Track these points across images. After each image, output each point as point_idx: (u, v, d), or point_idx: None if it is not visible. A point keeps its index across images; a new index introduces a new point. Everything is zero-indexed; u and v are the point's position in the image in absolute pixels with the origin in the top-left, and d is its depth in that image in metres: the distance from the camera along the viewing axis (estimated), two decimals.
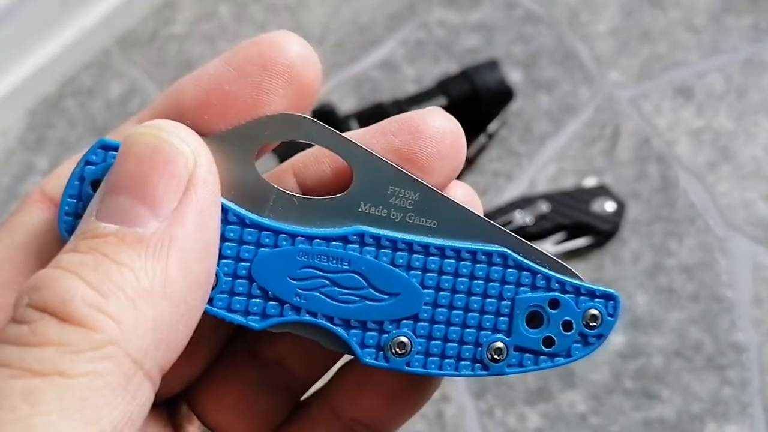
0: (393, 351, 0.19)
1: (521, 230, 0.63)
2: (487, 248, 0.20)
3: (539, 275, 0.20)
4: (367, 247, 0.19)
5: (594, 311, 0.20)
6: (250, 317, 0.19)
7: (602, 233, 0.63)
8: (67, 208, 0.18)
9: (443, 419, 0.59)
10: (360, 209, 0.19)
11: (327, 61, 0.85)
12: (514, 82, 0.76)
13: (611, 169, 0.69)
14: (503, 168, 0.72)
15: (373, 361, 0.19)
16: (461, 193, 0.22)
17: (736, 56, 0.74)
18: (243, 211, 0.19)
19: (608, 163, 0.69)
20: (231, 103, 0.19)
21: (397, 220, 0.19)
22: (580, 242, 0.64)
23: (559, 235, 0.64)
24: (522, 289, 0.20)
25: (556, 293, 0.20)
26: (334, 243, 0.19)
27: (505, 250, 0.20)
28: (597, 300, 0.20)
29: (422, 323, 0.19)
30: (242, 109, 0.19)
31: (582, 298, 0.20)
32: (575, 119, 0.73)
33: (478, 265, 0.20)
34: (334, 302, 0.19)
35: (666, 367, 0.58)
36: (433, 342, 0.19)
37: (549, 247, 0.64)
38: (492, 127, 0.72)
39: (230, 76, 0.19)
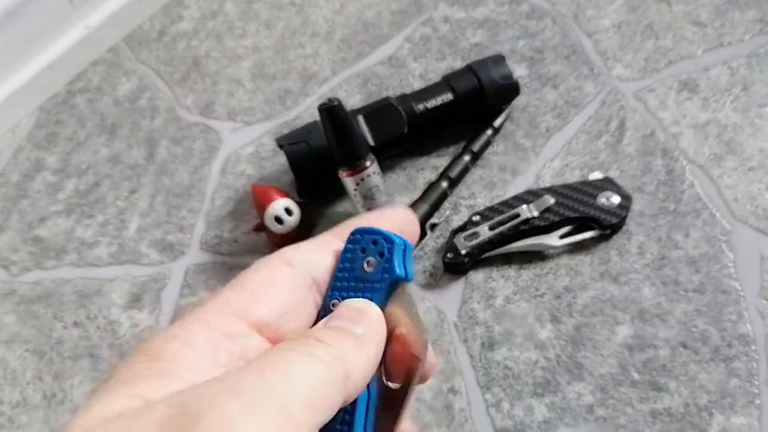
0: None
1: (528, 223, 0.64)
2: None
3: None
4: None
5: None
6: None
7: (608, 226, 0.64)
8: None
9: (451, 411, 0.59)
10: None
11: (333, 57, 0.85)
12: (519, 76, 0.77)
13: (617, 163, 0.69)
14: (509, 162, 0.72)
15: None
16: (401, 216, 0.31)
17: (742, 49, 0.74)
18: None
19: (614, 156, 0.70)
20: None
21: None
22: (587, 235, 0.64)
23: (565, 229, 0.64)
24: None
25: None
26: None
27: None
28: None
29: None
30: None
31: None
32: (581, 113, 0.74)
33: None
34: None
35: (673, 358, 0.58)
36: None
37: (555, 240, 0.64)
38: (498, 121, 0.73)
39: None
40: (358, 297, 0.27)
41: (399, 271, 0.27)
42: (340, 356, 0.23)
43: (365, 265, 0.27)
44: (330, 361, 0.23)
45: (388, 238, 0.27)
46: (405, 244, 0.27)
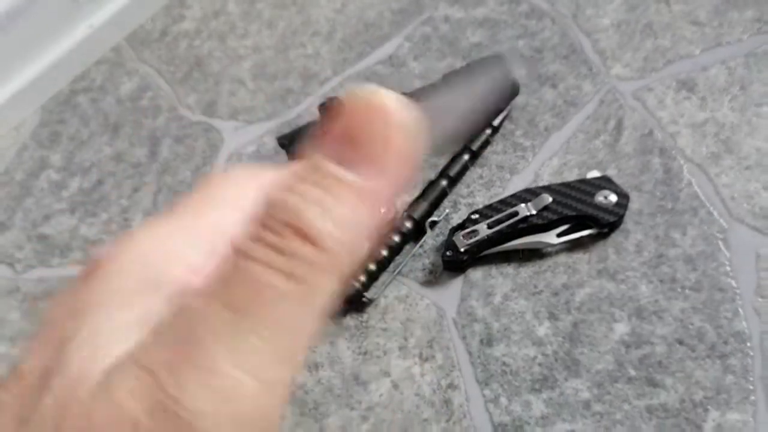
0: None
1: (526, 222, 0.64)
2: None
3: None
4: None
5: None
6: None
7: (606, 225, 0.64)
8: None
9: (450, 407, 0.60)
10: None
11: (334, 57, 0.86)
12: (518, 76, 0.77)
13: (615, 162, 0.70)
14: (508, 161, 0.72)
15: None
16: None
17: (740, 49, 0.74)
18: None
19: (612, 155, 0.70)
20: None
21: None
22: (584, 233, 0.65)
23: (563, 227, 0.65)
24: None
25: None
26: None
27: None
28: None
29: None
30: None
31: None
32: (579, 112, 0.74)
33: None
34: None
35: (669, 355, 0.59)
36: None
37: (553, 238, 0.65)
38: (497, 120, 0.73)
39: None
40: None
41: None
42: (334, 263, 0.19)
43: None
44: (319, 279, 0.19)
45: None
46: None
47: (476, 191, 0.71)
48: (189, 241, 0.21)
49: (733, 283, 0.61)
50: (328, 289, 0.18)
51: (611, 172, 0.69)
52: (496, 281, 0.65)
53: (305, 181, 0.18)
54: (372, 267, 0.67)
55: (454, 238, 0.65)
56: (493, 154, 0.73)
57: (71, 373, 0.18)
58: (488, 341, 0.63)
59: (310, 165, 0.19)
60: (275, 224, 0.18)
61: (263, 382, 0.17)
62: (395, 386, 0.62)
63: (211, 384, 0.17)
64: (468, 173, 0.72)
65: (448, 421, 0.59)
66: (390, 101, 0.20)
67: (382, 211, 0.19)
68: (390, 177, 0.19)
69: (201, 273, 0.20)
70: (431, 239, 0.69)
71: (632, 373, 0.59)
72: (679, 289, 0.62)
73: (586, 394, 0.58)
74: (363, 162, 0.18)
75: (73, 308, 0.20)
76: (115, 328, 0.19)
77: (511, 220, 0.64)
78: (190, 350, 0.17)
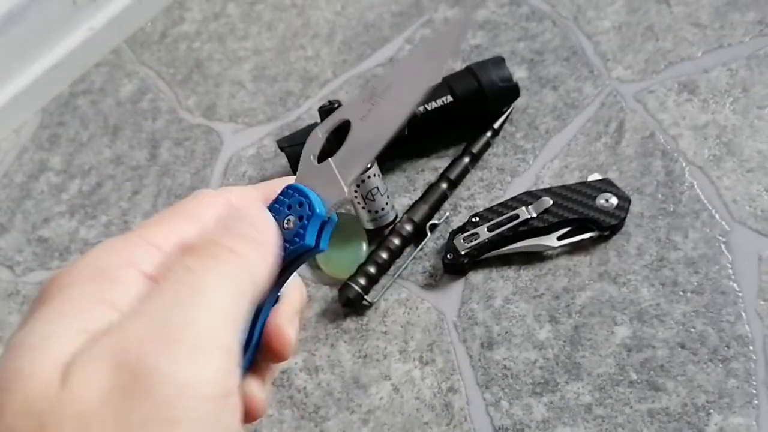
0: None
1: (527, 224, 0.64)
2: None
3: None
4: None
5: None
6: None
7: (607, 227, 0.64)
8: None
9: (451, 410, 0.60)
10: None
11: (334, 59, 0.86)
12: (519, 78, 0.77)
13: (616, 164, 0.69)
14: (509, 164, 0.72)
15: None
16: None
17: (741, 51, 0.74)
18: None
19: (613, 158, 0.70)
20: None
21: None
22: (585, 236, 0.64)
23: (564, 230, 0.65)
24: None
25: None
26: None
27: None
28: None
29: None
30: None
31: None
32: (580, 115, 0.74)
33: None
34: None
35: (671, 359, 0.58)
36: None
37: (554, 241, 0.65)
38: (497, 123, 0.73)
39: None
40: None
41: (309, 240, 0.28)
42: (248, 266, 0.25)
43: (285, 222, 0.28)
44: (240, 274, 0.24)
45: (312, 206, 0.28)
46: (330, 217, 0.28)
47: (477, 194, 0.71)
48: (144, 250, 0.25)
49: (736, 286, 0.61)
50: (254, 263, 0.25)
51: (612, 175, 0.68)
52: (497, 284, 0.65)
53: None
54: (372, 270, 0.66)
55: (454, 241, 0.65)
56: (493, 157, 0.73)
57: (23, 373, 0.21)
58: (489, 344, 0.62)
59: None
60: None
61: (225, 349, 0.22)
62: (395, 390, 0.62)
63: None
64: (468, 176, 0.72)
65: (448, 424, 0.59)
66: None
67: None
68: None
69: (154, 277, 0.24)
70: (431, 242, 0.69)
71: (634, 376, 0.58)
72: (681, 293, 0.61)
73: (587, 398, 0.58)
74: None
75: (28, 317, 0.23)
76: (62, 335, 0.22)
77: (512, 223, 0.64)
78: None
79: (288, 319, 0.29)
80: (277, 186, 0.29)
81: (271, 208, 0.29)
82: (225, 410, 0.21)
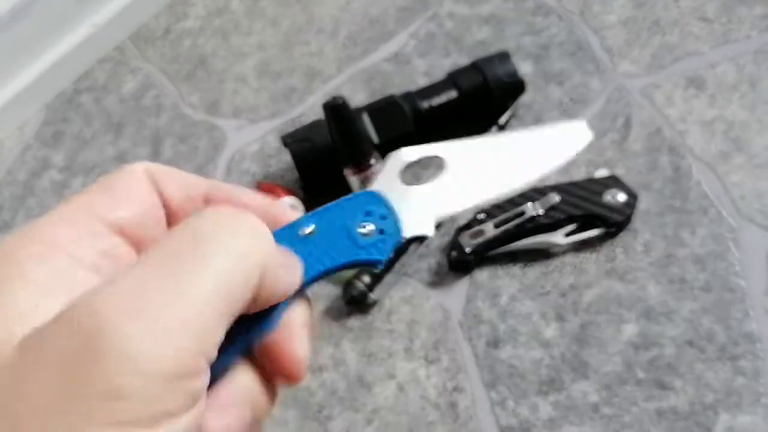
0: None
1: (533, 221, 0.64)
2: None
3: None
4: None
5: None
6: None
7: (614, 224, 0.63)
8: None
9: (456, 410, 0.59)
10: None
11: (338, 55, 0.85)
12: (524, 73, 0.76)
13: (623, 160, 0.69)
14: None
15: None
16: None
17: (749, 46, 0.73)
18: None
19: (620, 153, 0.69)
20: None
21: None
22: (592, 233, 0.64)
23: (570, 227, 0.64)
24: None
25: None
26: None
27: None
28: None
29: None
30: None
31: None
32: (586, 110, 0.73)
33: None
34: None
35: (678, 357, 0.58)
36: None
37: (560, 238, 0.64)
38: (503, 119, 0.72)
39: None
40: (333, 242, 0.27)
41: (383, 255, 0.27)
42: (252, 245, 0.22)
43: (360, 225, 0.27)
44: (240, 255, 0.22)
45: (396, 225, 0.27)
46: (403, 240, 0.28)
47: None
48: (91, 226, 0.24)
49: (743, 283, 0.60)
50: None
51: (619, 171, 0.68)
52: (503, 282, 0.65)
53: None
54: None
55: (459, 238, 0.64)
56: None
57: None
58: (495, 343, 0.62)
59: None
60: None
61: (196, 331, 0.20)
62: (400, 389, 0.61)
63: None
64: None
65: (454, 423, 0.59)
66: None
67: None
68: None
69: (112, 254, 0.24)
70: (437, 239, 0.69)
71: (641, 375, 0.58)
72: (689, 290, 0.61)
73: (594, 397, 0.58)
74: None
75: None
76: (22, 309, 0.21)
77: (518, 220, 0.64)
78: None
79: (295, 333, 0.27)
80: (225, 189, 0.27)
81: (344, 202, 0.28)
82: (179, 391, 0.20)
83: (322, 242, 0.27)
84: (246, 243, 0.22)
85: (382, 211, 0.28)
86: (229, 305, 0.21)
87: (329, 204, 0.28)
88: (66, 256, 0.23)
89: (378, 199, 0.28)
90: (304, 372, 0.27)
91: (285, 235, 0.27)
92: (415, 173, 0.62)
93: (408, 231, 0.28)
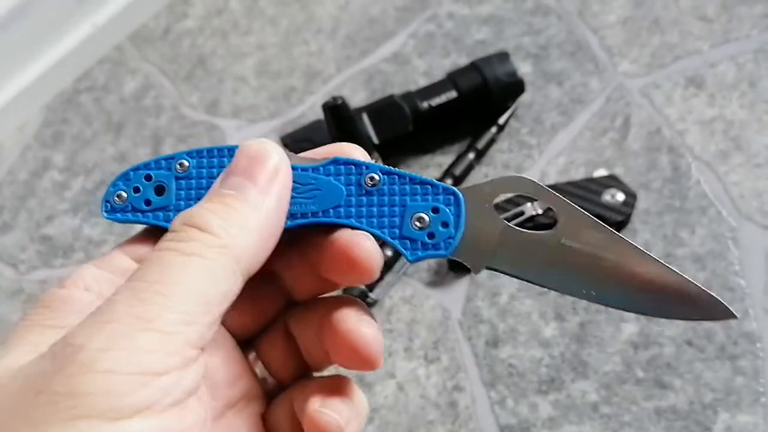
0: None
1: (532, 221, 0.64)
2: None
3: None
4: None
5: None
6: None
7: (613, 224, 0.63)
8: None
9: (456, 409, 0.59)
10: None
11: (338, 55, 0.85)
12: (524, 73, 0.76)
13: (622, 160, 0.69)
14: (514, 160, 0.72)
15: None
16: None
17: (749, 45, 0.73)
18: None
19: (619, 153, 0.69)
20: None
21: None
22: None
23: None
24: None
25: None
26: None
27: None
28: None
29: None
30: None
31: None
32: (586, 110, 0.73)
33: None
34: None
35: (678, 356, 0.58)
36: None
37: None
38: (502, 119, 0.72)
39: None
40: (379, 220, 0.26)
41: (414, 258, 0.26)
42: (225, 244, 0.24)
43: (418, 216, 0.26)
44: (215, 255, 0.24)
45: (452, 243, 0.26)
46: (448, 257, 0.27)
47: None
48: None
49: (743, 282, 0.60)
50: (223, 262, 0.24)
51: (618, 171, 0.68)
52: (502, 281, 0.65)
53: (209, 200, 0.26)
54: None
55: None
56: (498, 153, 0.72)
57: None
58: (494, 342, 0.62)
59: (213, 190, 0.26)
60: (181, 226, 0.25)
61: (160, 331, 0.22)
62: (400, 388, 0.61)
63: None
64: (473, 172, 0.72)
65: (453, 423, 0.59)
66: (260, 145, 0.27)
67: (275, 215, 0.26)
68: (265, 189, 0.26)
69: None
70: None
71: (640, 374, 0.58)
72: None
73: (593, 396, 0.58)
74: (246, 183, 0.26)
75: None
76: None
77: (517, 220, 0.64)
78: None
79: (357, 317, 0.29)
80: None
81: (425, 184, 0.26)
82: (147, 386, 0.21)
83: (373, 203, 0.26)
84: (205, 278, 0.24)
85: (450, 218, 0.26)
86: (204, 316, 0.23)
87: (414, 174, 0.27)
88: (93, 298, 0.26)
89: (458, 206, 0.26)
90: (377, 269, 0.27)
91: (353, 172, 0.26)
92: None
93: (459, 254, 0.26)
